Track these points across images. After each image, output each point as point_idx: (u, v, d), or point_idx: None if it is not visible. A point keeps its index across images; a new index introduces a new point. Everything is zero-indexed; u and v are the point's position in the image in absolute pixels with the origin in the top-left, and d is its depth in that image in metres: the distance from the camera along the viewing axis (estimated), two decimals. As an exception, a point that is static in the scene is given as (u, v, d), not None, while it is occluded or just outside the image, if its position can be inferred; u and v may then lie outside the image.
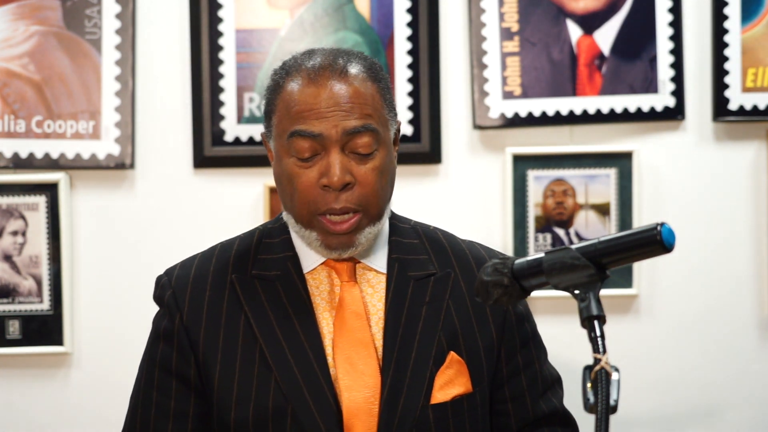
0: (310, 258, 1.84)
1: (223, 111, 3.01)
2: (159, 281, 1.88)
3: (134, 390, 1.89)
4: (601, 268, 1.50)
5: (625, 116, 3.02)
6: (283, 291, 1.81)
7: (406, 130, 3.00)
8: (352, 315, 1.80)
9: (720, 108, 3.01)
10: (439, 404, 1.79)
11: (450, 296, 1.84)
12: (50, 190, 2.98)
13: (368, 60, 1.83)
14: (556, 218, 3.02)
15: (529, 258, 1.57)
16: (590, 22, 3.03)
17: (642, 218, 3.01)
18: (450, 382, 1.80)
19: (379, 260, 1.85)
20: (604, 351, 1.43)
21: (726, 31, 3.01)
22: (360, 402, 1.76)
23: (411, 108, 3.01)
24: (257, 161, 3.01)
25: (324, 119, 1.74)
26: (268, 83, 1.84)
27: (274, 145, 1.81)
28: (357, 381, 1.77)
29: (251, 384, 1.77)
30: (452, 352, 1.81)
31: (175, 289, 1.84)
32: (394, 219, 1.91)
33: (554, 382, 1.94)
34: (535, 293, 1.61)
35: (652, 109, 3.02)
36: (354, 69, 1.78)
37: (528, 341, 1.91)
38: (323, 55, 1.81)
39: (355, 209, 1.76)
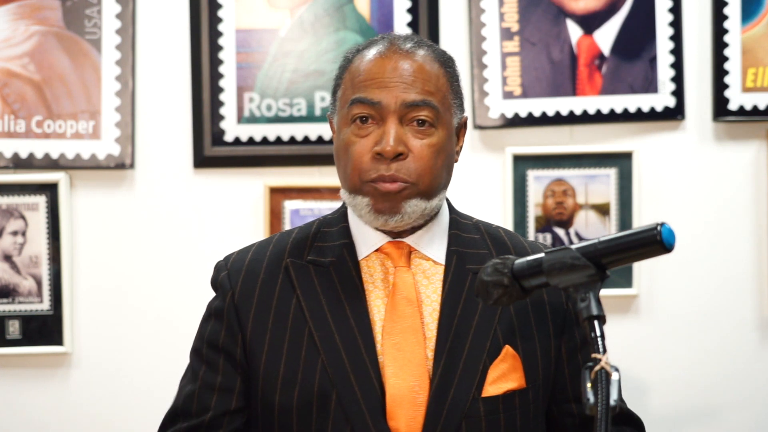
0: (365, 245, 1.84)
1: (223, 111, 3.01)
2: (216, 266, 1.91)
3: (185, 370, 1.91)
4: (601, 268, 1.50)
5: (625, 116, 3.02)
6: (336, 276, 1.82)
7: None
8: (403, 300, 1.80)
9: (720, 108, 3.01)
10: (490, 397, 1.77)
11: None
12: (50, 190, 2.98)
13: (442, 50, 1.86)
14: (556, 218, 3.02)
15: (529, 258, 1.57)
16: (590, 22, 3.03)
17: (642, 218, 3.01)
18: (503, 376, 1.79)
19: (437, 251, 1.85)
20: (604, 351, 1.43)
21: (726, 31, 3.01)
22: (404, 390, 1.75)
23: (411, 108, 3.01)
24: (257, 161, 3.01)
25: (385, 89, 1.77)
26: (339, 63, 1.87)
27: (337, 119, 1.84)
28: (403, 369, 1.76)
29: (298, 366, 1.78)
30: (508, 346, 1.79)
31: (230, 271, 1.86)
32: (456, 215, 1.91)
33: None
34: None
35: (652, 109, 3.02)
36: (423, 50, 1.82)
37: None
38: (398, 35, 1.85)
39: (404, 180, 1.77)
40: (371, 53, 1.81)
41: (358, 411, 1.74)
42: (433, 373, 1.76)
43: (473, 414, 1.76)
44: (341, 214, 1.89)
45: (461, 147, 1.88)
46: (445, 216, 1.88)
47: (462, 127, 1.87)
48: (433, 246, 1.85)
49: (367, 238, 1.84)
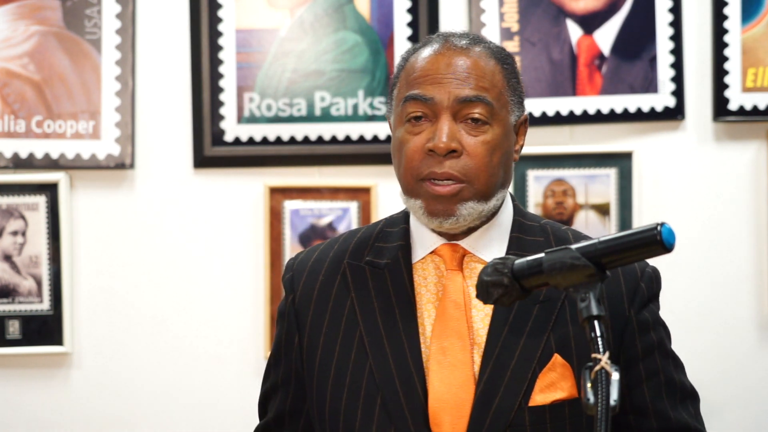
0: (421, 247, 1.81)
1: (223, 111, 3.01)
2: (286, 265, 1.91)
3: None
4: (601, 268, 1.50)
5: (625, 116, 3.02)
6: (390, 279, 1.80)
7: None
8: (451, 304, 1.77)
9: (720, 108, 3.01)
10: (537, 407, 1.72)
11: (567, 298, 1.75)
12: (50, 190, 2.98)
13: (499, 46, 1.84)
14: (557, 218, 3.02)
15: (529, 258, 1.56)
16: (590, 22, 3.03)
17: (642, 218, 3.01)
18: (552, 385, 1.73)
19: (494, 254, 1.77)
20: (605, 351, 1.43)
21: (726, 31, 3.01)
22: (448, 396, 1.72)
23: (411, 108, 3.00)
24: (257, 161, 3.01)
25: (438, 85, 1.75)
26: (398, 63, 1.86)
27: (393, 118, 1.82)
28: (447, 374, 1.73)
29: (347, 369, 1.77)
30: (557, 354, 1.73)
31: (295, 272, 1.87)
32: (520, 216, 1.85)
33: (687, 396, 1.84)
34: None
35: (652, 109, 3.02)
36: (479, 47, 1.79)
37: (652, 350, 1.84)
38: (454, 33, 1.83)
39: (458, 178, 1.73)
40: (426, 51, 1.79)
41: (401, 415, 1.72)
42: (478, 379, 1.72)
43: (518, 423, 1.71)
44: (405, 213, 1.86)
45: (521, 146, 1.84)
46: (506, 217, 1.83)
47: (522, 125, 1.83)
48: (490, 249, 1.79)
49: (423, 240, 1.81)
